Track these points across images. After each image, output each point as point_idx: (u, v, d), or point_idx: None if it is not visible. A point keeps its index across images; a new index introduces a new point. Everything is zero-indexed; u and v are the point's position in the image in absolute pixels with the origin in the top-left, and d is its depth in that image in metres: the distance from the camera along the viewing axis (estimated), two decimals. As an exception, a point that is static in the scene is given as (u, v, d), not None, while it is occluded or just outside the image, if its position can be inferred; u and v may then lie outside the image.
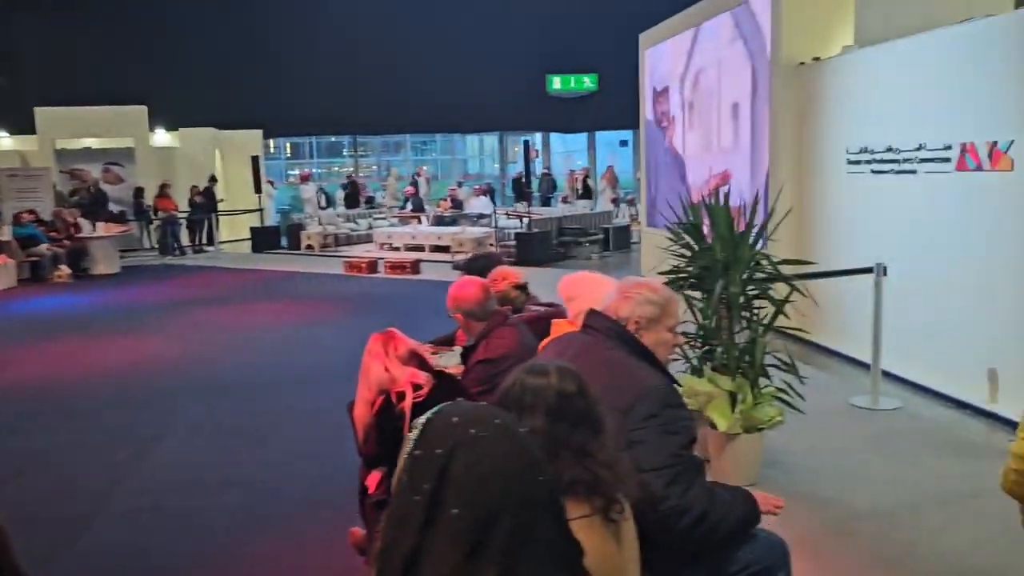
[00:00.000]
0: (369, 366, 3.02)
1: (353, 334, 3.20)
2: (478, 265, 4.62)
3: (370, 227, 19.37)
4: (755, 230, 4.45)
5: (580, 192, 21.51)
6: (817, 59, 7.77)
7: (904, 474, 4.50)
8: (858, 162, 7.02)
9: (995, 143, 5.40)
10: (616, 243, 15.93)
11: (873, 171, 6.80)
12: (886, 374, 6.30)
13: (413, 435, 1.33)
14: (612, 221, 17.86)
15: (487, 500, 1.22)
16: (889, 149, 6.56)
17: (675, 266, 4.90)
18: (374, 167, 35.06)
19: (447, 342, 4.52)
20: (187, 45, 21.48)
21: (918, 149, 6.20)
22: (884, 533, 3.80)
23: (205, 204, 18.49)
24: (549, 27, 23.88)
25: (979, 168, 5.56)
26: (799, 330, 5.00)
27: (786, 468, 4.61)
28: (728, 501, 2.32)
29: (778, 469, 4.59)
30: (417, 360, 3.06)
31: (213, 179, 19.18)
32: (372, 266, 14.28)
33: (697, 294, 4.65)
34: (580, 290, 3.17)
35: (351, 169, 28.25)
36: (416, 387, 2.95)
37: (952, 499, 4.13)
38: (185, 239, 18.41)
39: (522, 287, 4.29)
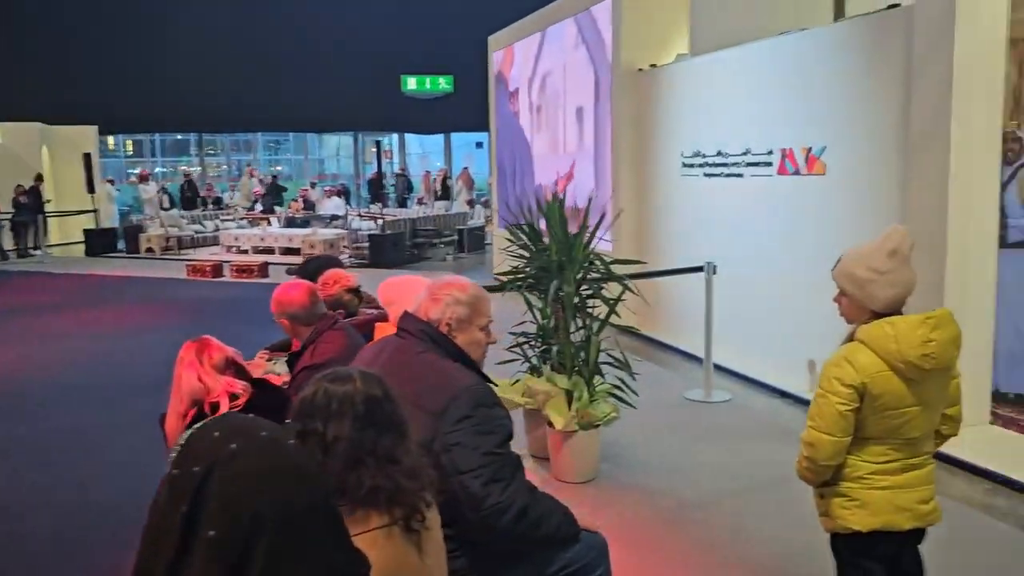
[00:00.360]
0: (181, 376, 2.84)
1: (190, 341, 2.99)
2: (311, 267, 4.48)
3: (217, 229, 18.54)
4: (588, 231, 4.53)
5: (439, 193, 21.46)
6: (654, 66, 8.07)
7: (731, 463, 4.72)
8: (692, 165, 7.34)
9: (810, 149, 5.77)
10: (471, 245, 15.98)
11: (706, 174, 7.13)
12: (719, 368, 6.61)
13: (173, 453, 1.23)
14: (467, 223, 17.90)
15: (244, 520, 1.14)
16: (719, 153, 6.90)
17: (514, 267, 4.93)
18: (224, 166, 33.61)
19: (285, 347, 4.35)
20: (11, 31, 19.82)
21: (744, 154, 6.54)
22: (709, 520, 3.96)
23: (30, 205, 17.10)
24: (404, 27, 23.71)
25: (797, 172, 5.93)
26: (631, 329, 5.15)
27: (622, 462, 4.74)
28: (549, 502, 2.33)
29: (614, 463, 4.71)
30: (234, 369, 2.91)
31: (39, 178, 17.78)
32: (217, 270, 13.67)
33: (536, 295, 4.70)
34: (399, 294, 3.12)
35: (199, 168, 26.97)
36: (233, 397, 2.80)
37: (773, 484, 4.35)
38: (9, 243, 16.97)
39: (355, 290, 4.19)
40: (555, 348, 4.48)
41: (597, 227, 4.59)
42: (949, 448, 4.52)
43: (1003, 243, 4.75)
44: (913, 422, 2.30)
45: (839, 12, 6.84)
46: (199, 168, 27.16)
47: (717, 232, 6.89)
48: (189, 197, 20.39)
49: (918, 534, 2.42)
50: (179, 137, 34.02)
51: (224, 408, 2.75)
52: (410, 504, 1.72)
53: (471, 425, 2.13)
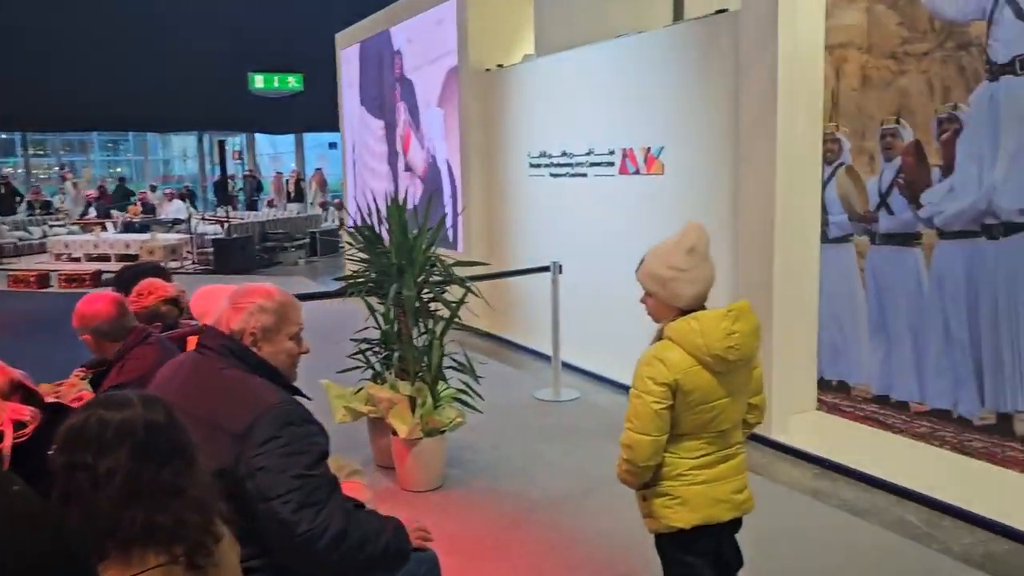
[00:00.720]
0: (-44, 404, 2.49)
1: (9, 360, 2.65)
2: (126, 276, 4.12)
3: (44, 235, 17.14)
4: (429, 232, 4.41)
5: (291, 196, 20.75)
6: (501, 66, 8.05)
7: (578, 462, 4.72)
8: (538, 166, 7.36)
9: (649, 149, 5.90)
10: (323, 248, 15.53)
11: (552, 175, 7.17)
12: (569, 367, 6.65)
13: None
14: (320, 225, 17.40)
15: None
16: (564, 154, 6.95)
17: (354, 271, 4.74)
18: (55, 168, 31.20)
19: (101, 364, 3.98)
20: None
21: (588, 154, 6.62)
22: (553, 521, 3.93)
23: None
24: (251, 23, 22.76)
25: (638, 172, 6.05)
26: (479, 330, 5.06)
27: (470, 467, 4.65)
28: (373, 522, 2.18)
29: (463, 468, 4.61)
30: (21, 393, 2.59)
31: None
32: (43, 280, 12.61)
33: (377, 299, 4.53)
34: (210, 304, 2.89)
35: (23, 170, 24.88)
36: (19, 425, 2.48)
37: (616, 482, 4.38)
38: None
39: (174, 301, 3.88)
40: (397, 354, 4.33)
41: (437, 229, 4.47)
42: (779, 435, 4.77)
43: (824, 239, 5.00)
44: (723, 414, 2.34)
45: (678, 15, 7.04)
46: (23, 170, 25.06)
47: (564, 232, 6.95)
48: (4, 199, 18.71)
49: (735, 524, 2.46)
50: (3, 136, 31.34)
51: (8, 439, 2.44)
52: (194, 539, 1.54)
53: (279, 446, 1.95)
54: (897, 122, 4.50)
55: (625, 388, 6.24)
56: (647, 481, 2.39)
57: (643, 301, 2.46)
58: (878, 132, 4.62)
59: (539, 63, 7.38)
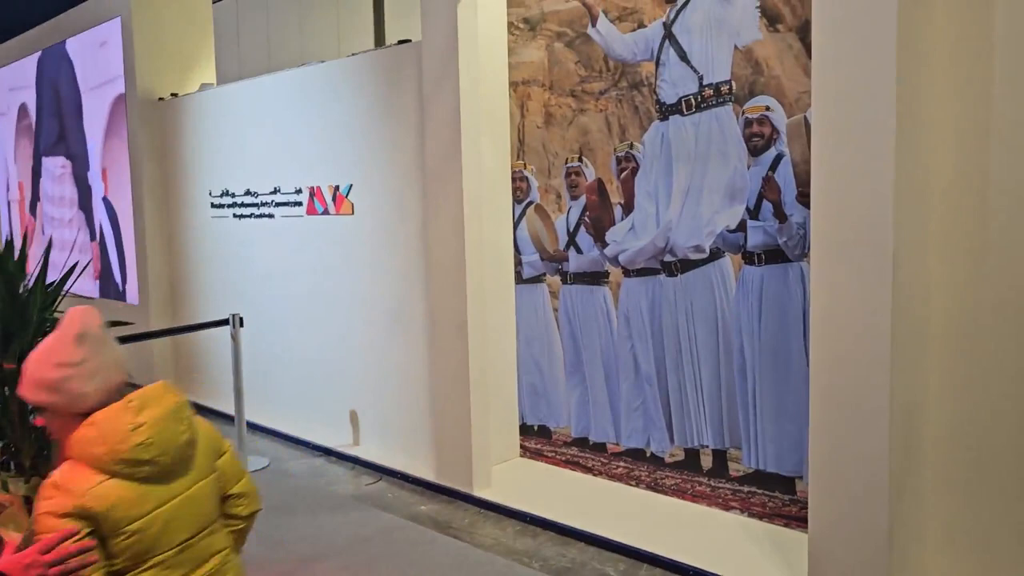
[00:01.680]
0: None
1: None
2: None
3: None
4: (51, 286, 3.53)
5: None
6: (176, 95, 7.15)
7: (261, 548, 4.03)
8: (221, 206, 6.57)
9: (338, 187, 5.40)
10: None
11: (236, 215, 6.41)
12: (259, 429, 5.90)
13: None
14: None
15: None
16: (248, 192, 6.24)
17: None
18: None
19: None
20: None
21: (274, 192, 5.98)
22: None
23: None
24: None
25: (326, 212, 5.52)
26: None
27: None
28: None
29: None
30: None
31: None
32: None
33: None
34: None
35: None
36: None
37: (318, 557, 3.77)
38: None
39: None
40: (8, 446, 3.38)
41: (63, 281, 3.60)
42: (481, 490, 4.45)
43: (519, 279, 4.81)
44: (175, 524, 1.83)
45: (380, 42, 6.66)
46: None
47: (250, 279, 6.22)
48: None
49: None
50: None
51: None
52: None
53: None
54: (580, 160, 4.44)
55: (323, 450, 5.69)
56: None
57: (38, 423, 1.89)
58: (563, 170, 4.52)
59: (219, 92, 6.62)
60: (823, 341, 2.98)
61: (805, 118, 3.50)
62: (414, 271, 4.82)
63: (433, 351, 4.63)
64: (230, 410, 6.15)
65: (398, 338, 5.02)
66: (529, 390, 4.85)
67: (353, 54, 5.27)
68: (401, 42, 4.84)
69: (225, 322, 5.28)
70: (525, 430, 4.89)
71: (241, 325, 5.26)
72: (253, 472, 5.14)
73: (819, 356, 3.01)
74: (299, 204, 5.77)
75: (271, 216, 6.06)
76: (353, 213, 5.30)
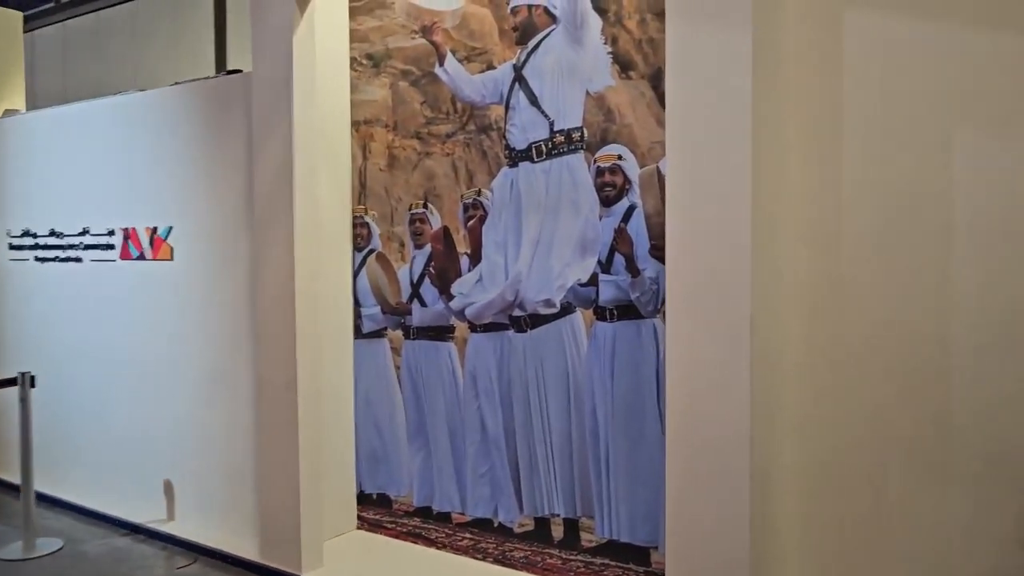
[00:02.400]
0: None
1: None
2: None
3: None
4: None
5: None
6: (-28, 122, 6.26)
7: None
8: (21, 247, 5.73)
9: (155, 229, 4.78)
10: None
11: (38, 258, 5.60)
12: (54, 502, 5.08)
13: None
14: None
15: None
16: (53, 233, 5.47)
17: None
18: None
19: None
20: None
21: (82, 234, 5.25)
22: None
23: None
24: None
25: (142, 257, 4.88)
26: None
27: None
28: None
29: None
30: None
31: None
32: None
33: None
34: None
35: None
36: None
37: None
38: None
39: None
40: None
41: None
42: (310, 570, 3.89)
43: (358, 333, 4.37)
44: None
45: (221, 68, 6.09)
46: None
47: (51, 330, 5.41)
48: None
49: None
50: None
51: None
52: None
53: None
54: (425, 206, 4.10)
55: (130, 527, 4.91)
56: None
57: None
58: (407, 217, 4.17)
59: (24, 120, 5.83)
60: (679, 402, 2.75)
61: (658, 168, 3.33)
62: (241, 324, 4.28)
63: (260, 413, 4.08)
64: (14, 479, 5.29)
65: (221, 398, 4.42)
66: (368, 455, 4.39)
67: (176, 83, 4.72)
68: (230, 72, 4.36)
69: (13, 382, 4.50)
70: (363, 499, 4.41)
71: (32, 385, 4.49)
72: (43, 556, 4.35)
73: (675, 419, 2.78)
74: (111, 247, 5.07)
75: (78, 260, 5.31)
76: (172, 258, 4.69)
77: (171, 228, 4.71)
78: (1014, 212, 2.56)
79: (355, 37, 4.29)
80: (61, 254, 5.46)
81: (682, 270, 2.73)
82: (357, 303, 4.37)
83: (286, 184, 3.81)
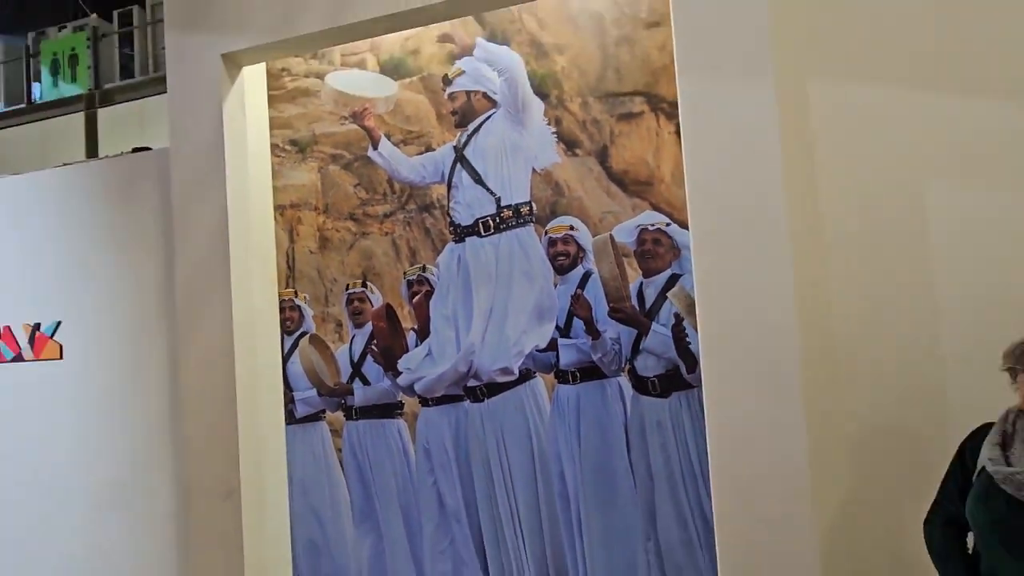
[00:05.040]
0: None
1: None
2: None
3: None
4: None
5: None
6: None
7: None
8: None
9: (37, 326, 4.08)
10: None
11: None
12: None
13: None
14: None
15: None
16: None
17: None
18: None
19: None
20: None
21: (-67, 338, 4.36)
22: None
23: None
24: None
25: (19, 358, 4.12)
26: None
27: None
28: None
29: None
30: None
31: None
32: None
33: None
34: None
35: None
36: None
37: None
38: None
39: None
40: None
41: None
42: None
43: (290, 419, 3.95)
44: None
45: (92, 152, 5.40)
46: None
47: None
48: None
49: None
50: None
51: None
52: None
53: None
54: (364, 285, 3.84)
55: None
56: None
57: None
58: (344, 297, 3.88)
59: None
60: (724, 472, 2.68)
61: (611, 236, 3.36)
62: (154, 426, 3.70)
63: (188, 531, 3.48)
64: None
65: (127, 517, 3.75)
66: (307, 545, 3.91)
67: (65, 164, 4.13)
68: (137, 149, 3.89)
69: None
70: (299, 596, 3.91)
71: None
72: None
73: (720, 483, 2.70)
74: (-27, 350, 4.25)
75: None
76: (61, 357, 4.01)
77: (59, 323, 4.04)
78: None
79: (276, 124, 4.01)
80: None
81: (718, 334, 2.69)
82: (289, 388, 3.96)
83: (220, 268, 3.42)
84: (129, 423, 3.73)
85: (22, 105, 8.29)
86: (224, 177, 3.38)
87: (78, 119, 8.26)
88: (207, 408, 3.41)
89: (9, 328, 4.17)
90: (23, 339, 4.16)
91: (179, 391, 3.49)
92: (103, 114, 8.15)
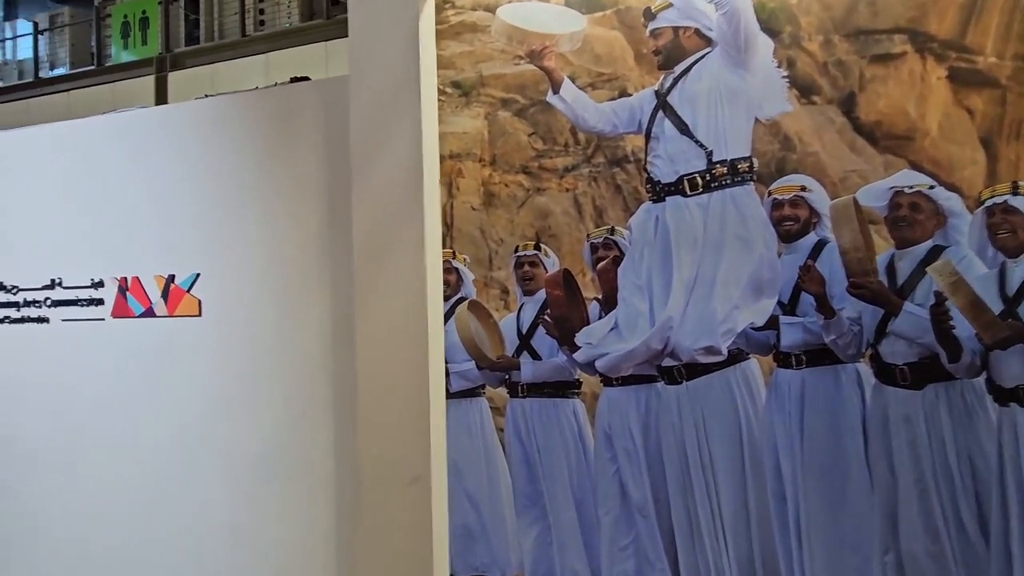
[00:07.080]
0: None
1: None
2: None
3: None
4: None
5: None
6: None
7: None
8: (-49, 307, 4.14)
9: (171, 278, 3.52)
10: None
11: (-21, 320, 4.05)
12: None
13: None
14: None
15: None
16: (3, 287, 3.96)
17: None
18: None
19: None
20: None
21: (50, 287, 3.82)
22: None
23: None
24: None
25: (150, 313, 3.58)
26: None
27: None
28: None
29: None
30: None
31: None
32: None
33: None
34: None
35: None
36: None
37: None
38: None
39: None
40: None
41: None
42: None
43: (446, 394, 3.39)
44: None
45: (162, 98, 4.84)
46: None
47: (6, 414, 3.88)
48: None
49: None
50: None
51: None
52: None
53: None
54: (537, 248, 3.24)
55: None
56: None
57: None
58: (512, 260, 3.29)
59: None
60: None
61: (854, 199, 2.73)
62: (311, 399, 3.14)
63: (361, 517, 2.94)
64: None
65: (273, 499, 3.21)
66: (461, 531, 3.38)
67: (206, 95, 3.55)
68: (296, 79, 3.29)
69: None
70: (454, 586, 3.38)
71: None
72: None
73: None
74: (98, 302, 3.71)
75: (44, 321, 3.87)
76: (200, 314, 3.46)
77: (197, 276, 3.48)
78: None
79: (439, 63, 3.39)
80: (15, 314, 3.97)
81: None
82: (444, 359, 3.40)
83: (414, 215, 2.80)
84: (280, 394, 3.19)
85: (91, 67, 7.81)
86: (420, 114, 2.77)
87: (147, 82, 7.75)
88: (392, 383, 2.85)
89: (138, 279, 3.63)
90: (153, 292, 3.62)
91: (356, 362, 2.92)
92: (173, 77, 7.62)
